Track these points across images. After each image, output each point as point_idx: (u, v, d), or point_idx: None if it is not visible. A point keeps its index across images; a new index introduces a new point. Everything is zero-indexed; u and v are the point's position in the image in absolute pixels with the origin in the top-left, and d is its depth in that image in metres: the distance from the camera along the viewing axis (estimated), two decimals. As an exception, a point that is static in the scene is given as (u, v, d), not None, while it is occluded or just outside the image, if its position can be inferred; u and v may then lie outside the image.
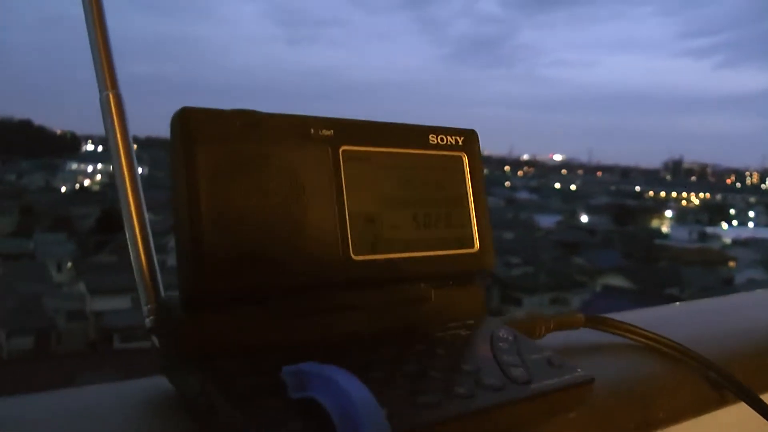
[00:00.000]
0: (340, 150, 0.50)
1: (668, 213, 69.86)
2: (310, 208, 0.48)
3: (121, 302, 23.00)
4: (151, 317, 0.49)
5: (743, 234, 53.67)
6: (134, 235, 0.50)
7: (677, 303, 1.11)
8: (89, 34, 0.53)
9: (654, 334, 0.69)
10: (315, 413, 0.38)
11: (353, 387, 0.38)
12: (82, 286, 25.78)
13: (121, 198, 0.50)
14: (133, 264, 0.50)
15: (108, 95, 0.52)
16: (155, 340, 0.49)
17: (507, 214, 50.49)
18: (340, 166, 0.50)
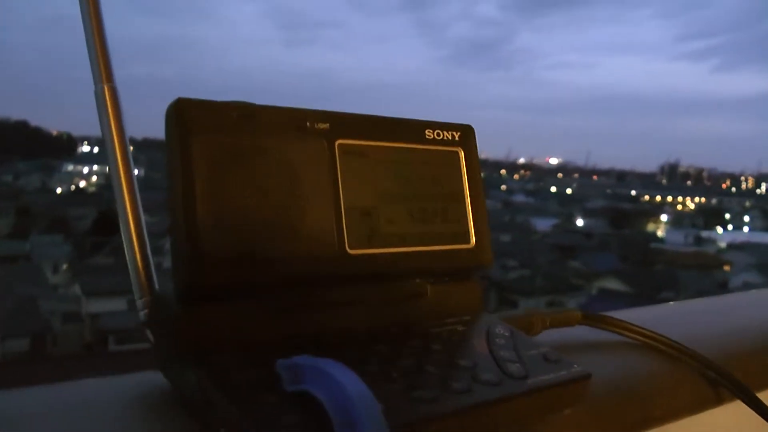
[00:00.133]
0: (336, 144, 0.50)
1: (664, 217, 69.94)
2: (306, 202, 0.48)
3: (117, 304, 22.94)
4: (146, 311, 0.49)
5: (738, 238, 53.73)
6: (128, 228, 0.50)
7: (673, 302, 1.11)
8: (84, 26, 0.52)
9: (651, 332, 0.69)
10: (311, 407, 0.38)
11: (349, 380, 0.37)
12: (77, 288, 25.74)
13: (116, 192, 0.50)
14: (127, 256, 0.49)
15: (103, 88, 0.51)
16: (149, 334, 0.48)
17: (503, 217, 50.53)
18: (335, 159, 0.50)
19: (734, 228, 70.20)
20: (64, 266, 30.20)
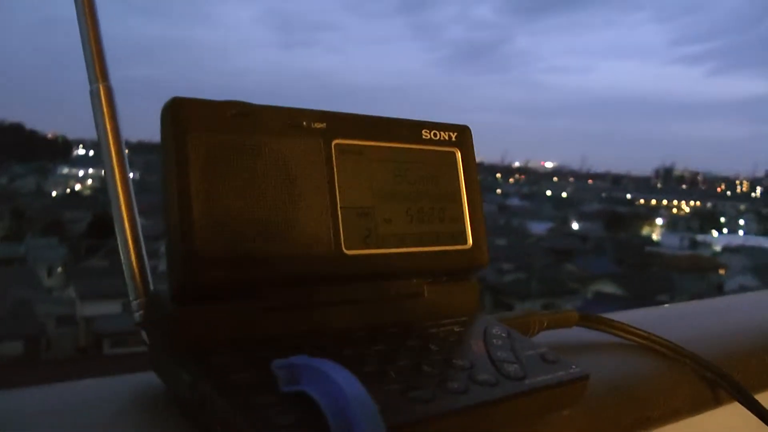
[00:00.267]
0: (333, 143, 0.50)
1: (659, 220, 70.02)
2: (302, 201, 0.48)
3: (112, 307, 22.88)
4: (141, 312, 0.48)
5: (734, 241, 53.82)
6: (123, 227, 0.49)
7: (670, 304, 1.11)
8: (80, 25, 0.52)
9: (648, 333, 0.69)
10: (307, 407, 0.37)
11: (345, 381, 0.37)
12: (72, 291, 25.68)
13: (111, 191, 0.50)
14: (122, 256, 0.49)
15: (98, 87, 0.51)
16: (144, 335, 0.48)
17: (499, 220, 50.53)
18: (332, 159, 0.50)
19: (729, 231, 70.37)
20: (59, 269, 30.15)
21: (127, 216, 0.50)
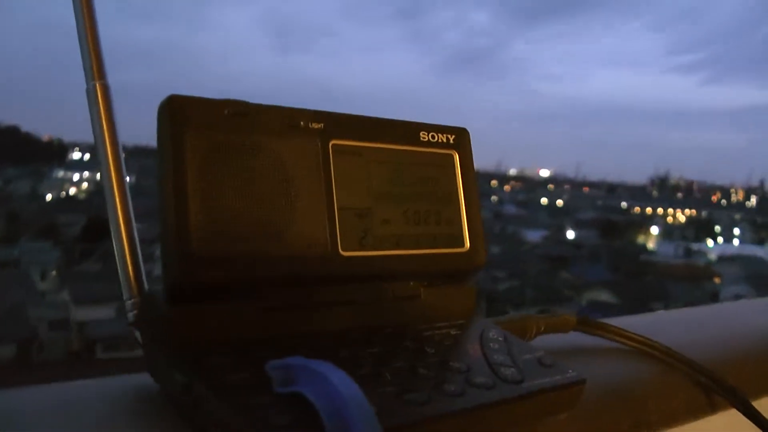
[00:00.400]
0: (330, 144, 0.50)
1: (654, 229, 70.17)
2: (299, 201, 0.47)
3: (105, 312, 22.85)
4: (135, 311, 0.48)
5: (728, 250, 53.96)
6: (118, 226, 0.49)
7: (667, 311, 1.09)
8: (77, 23, 0.51)
9: (646, 338, 0.69)
10: (302, 408, 0.37)
11: (341, 382, 0.37)
12: (66, 295, 25.62)
13: (106, 189, 0.49)
14: (116, 255, 0.49)
15: (95, 85, 0.50)
16: (138, 335, 0.48)
17: (494, 228, 50.62)
18: (329, 159, 0.49)
19: (724, 240, 70.56)
20: (53, 273, 30.08)
21: (122, 214, 0.49)
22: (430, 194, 0.55)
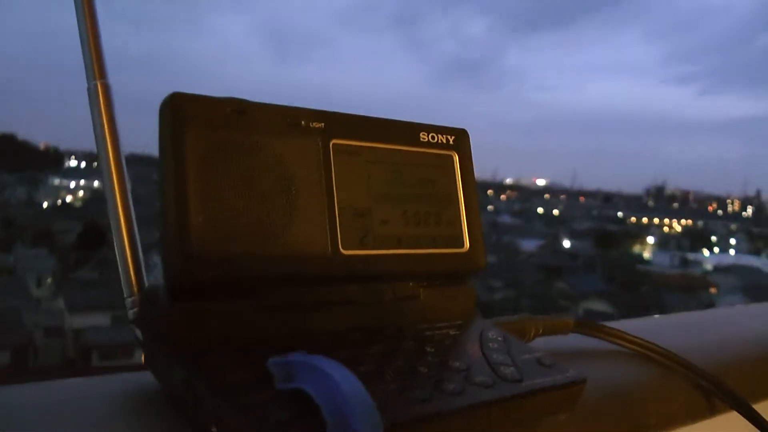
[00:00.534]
0: (331, 143, 0.50)
1: (650, 239, 70.30)
2: (299, 200, 0.47)
3: (101, 319, 22.83)
4: (135, 309, 0.48)
5: (725, 261, 54.08)
6: (119, 223, 0.49)
7: (666, 315, 1.10)
8: (78, 22, 0.52)
9: (644, 340, 0.68)
10: (303, 404, 0.37)
11: (342, 377, 0.37)
12: (61, 302, 25.59)
13: (107, 188, 0.50)
14: (117, 252, 0.49)
15: (96, 85, 0.51)
16: (138, 332, 0.47)
17: (490, 237, 50.64)
18: (330, 159, 0.50)
19: (720, 251, 70.68)
20: (48, 280, 30.05)
21: (123, 212, 0.49)
22: (429, 195, 0.55)
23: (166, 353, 0.44)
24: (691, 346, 0.75)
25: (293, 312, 0.48)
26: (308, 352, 0.40)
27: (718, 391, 0.68)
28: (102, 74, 0.51)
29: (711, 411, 0.70)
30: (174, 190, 0.43)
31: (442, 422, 0.42)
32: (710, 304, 33.74)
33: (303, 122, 0.49)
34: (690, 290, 37.21)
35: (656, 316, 1.02)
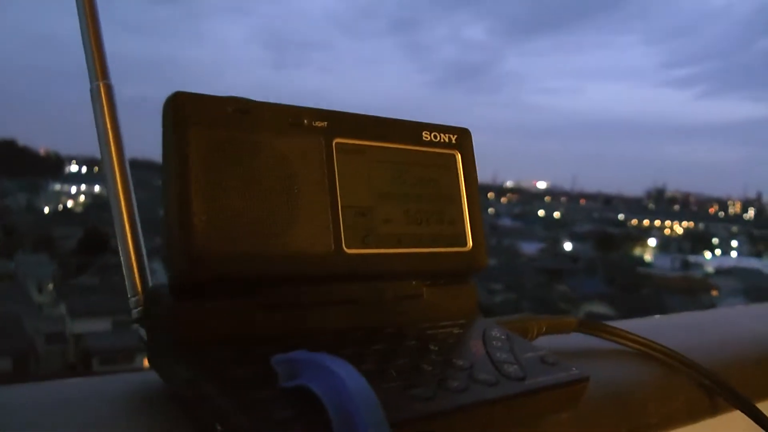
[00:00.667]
0: (334, 142, 0.50)
1: (652, 241, 70.30)
2: (302, 199, 0.48)
3: (102, 325, 22.82)
4: (139, 308, 0.48)
5: (726, 263, 54.09)
6: (122, 223, 0.49)
7: (668, 315, 1.09)
8: (80, 23, 0.52)
9: (647, 340, 0.68)
10: (308, 402, 0.37)
11: (347, 373, 0.37)
12: (62, 308, 25.61)
13: (110, 188, 0.50)
14: (121, 252, 0.49)
15: (99, 85, 0.51)
16: (142, 331, 0.48)
17: (490, 240, 50.66)
18: (333, 157, 0.50)
19: (722, 253, 70.67)
20: (49, 286, 30.07)
21: (126, 212, 0.49)
22: (432, 194, 0.55)
23: (170, 351, 0.44)
24: (692, 345, 0.75)
25: (296, 311, 0.48)
26: (312, 349, 0.41)
27: (721, 390, 0.68)
28: (104, 75, 0.51)
29: (714, 410, 0.69)
30: (177, 189, 0.43)
31: (446, 420, 0.42)
32: (711, 307, 33.72)
33: (305, 121, 0.49)
34: (691, 293, 37.19)
35: (657, 316, 1.01)
